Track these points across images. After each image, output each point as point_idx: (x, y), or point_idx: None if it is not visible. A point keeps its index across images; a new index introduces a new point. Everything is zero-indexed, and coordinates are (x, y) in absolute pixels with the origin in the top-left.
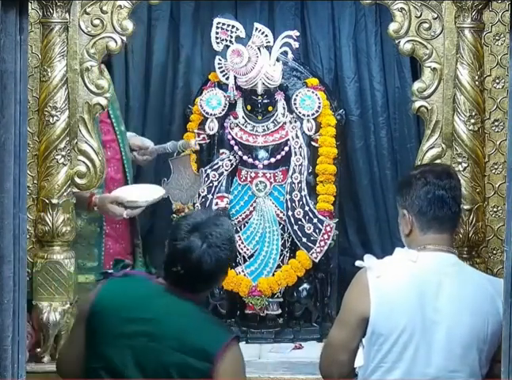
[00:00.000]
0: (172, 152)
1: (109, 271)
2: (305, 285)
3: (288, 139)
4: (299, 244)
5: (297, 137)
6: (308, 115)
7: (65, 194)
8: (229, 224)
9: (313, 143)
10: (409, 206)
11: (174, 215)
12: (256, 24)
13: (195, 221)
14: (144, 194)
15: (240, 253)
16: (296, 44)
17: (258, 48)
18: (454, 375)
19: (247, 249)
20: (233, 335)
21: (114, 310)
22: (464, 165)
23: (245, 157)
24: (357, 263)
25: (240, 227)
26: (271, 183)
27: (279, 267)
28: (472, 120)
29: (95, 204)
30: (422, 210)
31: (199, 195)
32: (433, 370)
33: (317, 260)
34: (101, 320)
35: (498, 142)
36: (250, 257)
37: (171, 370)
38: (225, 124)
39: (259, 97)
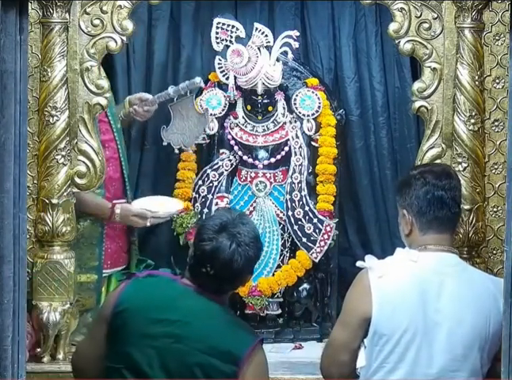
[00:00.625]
0: (173, 97)
1: (132, 271)
2: (305, 285)
3: (288, 139)
4: (299, 244)
5: (297, 137)
6: (308, 115)
7: (65, 194)
8: (254, 222)
9: (313, 143)
10: (408, 206)
11: (174, 215)
12: (256, 24)
13: (221, 221)
14: (166, 206)
15: None
16: (296, 44)
17: (258, 48)
18: (456, 374)
19: None
20: (258, 338)
21: (139, 310)
22: (464, 165)
23: (245, 157)
24: (358, 263)
25: None
26: (271, 183)
27: (279, 267)
28: (472, 120)
29: (117, 215)
30: (421, 211)
31: (199, 195)
32: (435, 370)
33: (317, 260)
34: (126, 320)
35: (498, 142)
36: None
37: (196, 372)
38: (225, 124)
39: (259, 97)
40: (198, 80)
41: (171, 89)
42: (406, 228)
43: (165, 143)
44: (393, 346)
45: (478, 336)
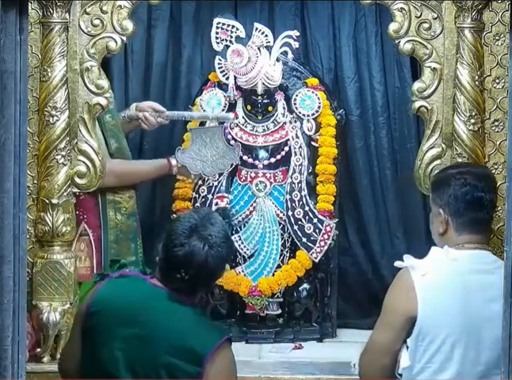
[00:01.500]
0: (190, 120)
1: (106, 272)
2: (305, 285)
3: (288, 139)
4: (299, 244)
5: (297, 137)
6: (308, 115)
7: (65, 194)
8: (222, 220)
9: (313, 143)
10: (445, 205)
11: (174, 215)
12: (256, 24)
13: (191, 224)
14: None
15: (240, 253)
16: (296, 44)
17: (258, 48)
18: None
19: (247, 249)
20: (224, 336)
21: (110, 312)
22: None
23: (245, 157)
24: (397, 263)
25: (240, 227)
26: (271, 183)
27: (279, 267)
28: (472, 120)
29: (174, 167)
30: (459, 212)
31: (199, 195)
32: (482, 367)
33: (317, 260)
34: (98, 321)
35: (498, 142)
36: (250, 257)
37: (161, 374)
38: (225, 124)
39: (259, 97)
40: (231, 116)
41: (192, 114)
42: (442, 227)
43: (179, 165)
44: (439, 345)
45: None
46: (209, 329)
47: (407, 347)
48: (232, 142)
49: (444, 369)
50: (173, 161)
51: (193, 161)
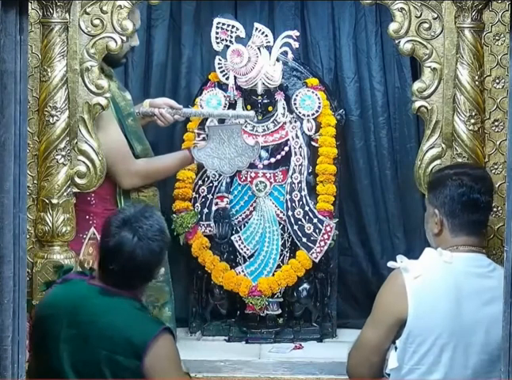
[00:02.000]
0: (206, 117)
1: (51, 280)
2: (305, 285)
3: (288, 139)
4: (299, 244)
5: (297, 137)
6: (308, 115)
7: (65, 194)
8: (159, 215)
9: (313, 143)
10: (441, 206)
11: (174, 215)
12: (256, 24)
13: (124, 215)
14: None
15: (240, 253)
16: (296, 44)
17: (258, 48)
18: (491, 375)
19: (247, 249)
20: (160, 327)
21: (52, 317)
22: None
23: None
24: (390, 264)
25: (240, 227)
26: (271, 183)
27: (279, 267)
28: (472, 120)
29: (195, 155)
30: (454, 213)
31: (199, 195)
32: (470, 372)
33: (317, 260)
34: (42, 327)
35: (498, 142)
36: (250, 257)
37: (104, 371)
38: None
39: (259, 97)
40: (252, 114)
41: (210, 111)
42: (436, 227)
43: (195, 162)
44: (428, 348)
45: None
46: (146, 322)
47: (396, 348)
48: (250, 139)
49: (432, 371)
50: (195, 151)
51: (210, 159)
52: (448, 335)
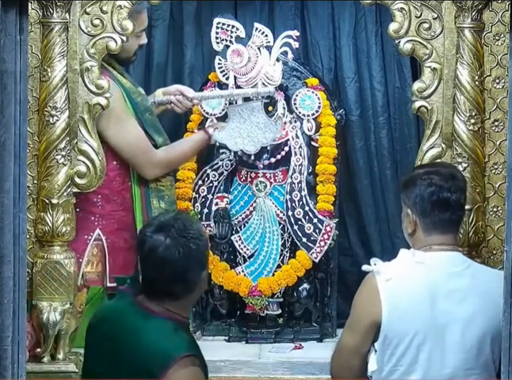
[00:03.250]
0: (231, 98)
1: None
2: (305, 285)
3: (288, 139)
4: (299, 244)
5: (297, 137)
6: (308, 115)
7: (65, 194)
8: (190, 216)
9: (313, 143)
10: (413, 205)
11: None
12: (256, 24)
13: (158, 222)
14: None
15: (240, 253)
16: (296, 44)
17: (258, 48)
18: (470, 372)
19: (247, 249)
20: (181, 354)
21: (96, 329)
22: (464, 165)
23: (245, 157)
24: (364, 267)
25: (240, 227)
26: (271, 183)
27: (279, 267)
28: (472, 120)
29: (212, 135)
30: (425, 212)
31: (199, 195)
32: (449, 370)
33: (317, 260)
34: (88, 338)
35: (498, 142)
36: (250, 257)
37: None
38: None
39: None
40: (272, 89)
41: (230, 91)
42: (410, 227)
43: (217, 144)
44: (405, 349)
45: (489, 332)
46: (169, 346)
47: (375, 351)
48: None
49: (410, 372)
50: (211, 130)
51: (233, 139)
52: (424, 335)
